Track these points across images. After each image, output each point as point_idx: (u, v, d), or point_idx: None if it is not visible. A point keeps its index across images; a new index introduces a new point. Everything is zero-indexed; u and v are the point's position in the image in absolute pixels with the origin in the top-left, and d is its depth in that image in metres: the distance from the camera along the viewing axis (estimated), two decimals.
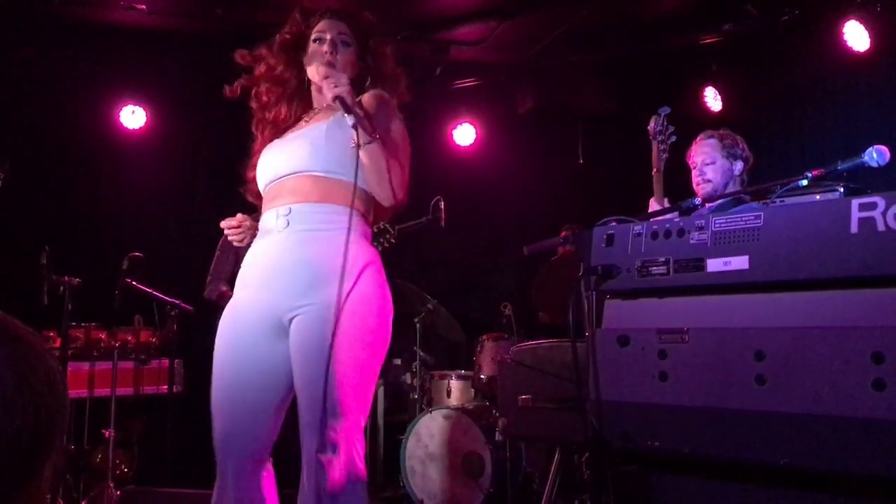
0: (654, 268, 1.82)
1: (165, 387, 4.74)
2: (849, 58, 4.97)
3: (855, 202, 1.58)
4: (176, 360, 4.81)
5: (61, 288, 4.24)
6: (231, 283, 5.10)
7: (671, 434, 1.76)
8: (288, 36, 2.50)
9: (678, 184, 3.55)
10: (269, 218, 2.41)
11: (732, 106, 5.76)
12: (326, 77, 2.27)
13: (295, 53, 2.50)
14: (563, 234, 5.80)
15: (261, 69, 2.54)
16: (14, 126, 5.33)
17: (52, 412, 1.08)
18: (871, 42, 4.86)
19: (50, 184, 5.50)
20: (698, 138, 3.53)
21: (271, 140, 2.53)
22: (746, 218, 1.71)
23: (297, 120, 2.54)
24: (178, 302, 4.74)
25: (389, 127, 2.39)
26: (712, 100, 5.85)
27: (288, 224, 2.35)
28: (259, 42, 2.47)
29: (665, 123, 3.32)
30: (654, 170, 3.28)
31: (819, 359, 1.57)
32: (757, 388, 1.64)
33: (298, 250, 2.30)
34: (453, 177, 5.92)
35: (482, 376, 5.04)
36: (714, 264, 1.74)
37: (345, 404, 2.18)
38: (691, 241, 1.78)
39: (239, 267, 4.63)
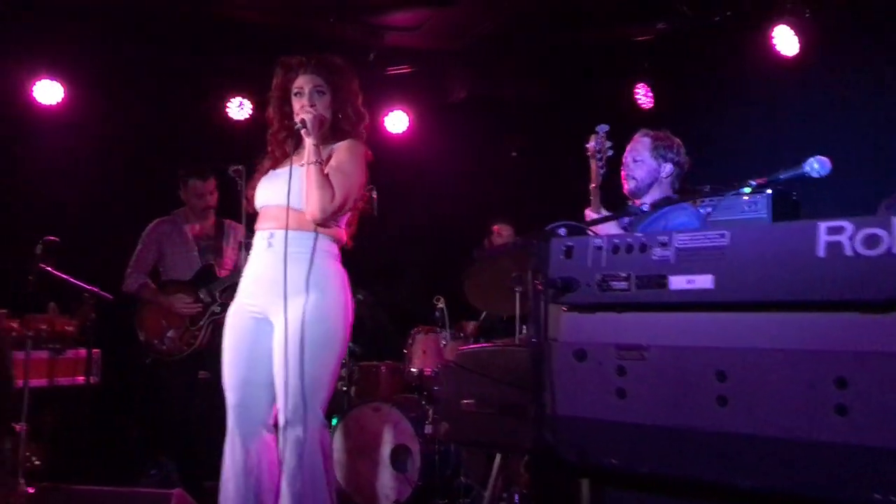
0: (615, 283, 1.79)
1: (81, 377, 4.54)
2: (777, 61, 5.08)
3: (822, 225, 1.58)
4: (94, 350, 4.61)
5: None
6: (152, 276, 4.95)
7: (629, 452, 1.75)
8: (277, 93, 3.16)
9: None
10: (258, 238, 3.09)
11: (663, 103, 5.83)
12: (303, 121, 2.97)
13: (284, 102, 3.15)
14: (494, 228, 5.83)
15: (268, 121, 3.22)
16: None
17: None
18: (799, 47, 4.97)
19: None
20: (635, 135, 3.55)
21: (268, 170, 3.18)
22: (711, 236, 1.70)
23: (288, 153, 3.14)
24: (95, 289, 4.53)
25: (343, 161, 3.03)
26: (643, 96, 5.91)
27: (270, 245, 3.01)
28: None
29: (604, 142, 3.31)
30: (593, 184, 3.27)
31: (782, 381, 1.57)
32: (718, 408, 1.64)
33: (278, 267, 2.93)
34: (385, 164, 5.82)
35: (413, 369, 5.00)
36: (677, 282, 1.72)
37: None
38: (653, 257, 1.76)
39: (161, 261, 4.81)
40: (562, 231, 2.17)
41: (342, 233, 3.14)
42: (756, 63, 5.24)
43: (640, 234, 1.81)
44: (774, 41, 5.03)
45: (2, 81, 5.37)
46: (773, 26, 5.02)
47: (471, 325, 5.45)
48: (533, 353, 1.90)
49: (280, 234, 2.98)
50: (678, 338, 1.73)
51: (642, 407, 1.74)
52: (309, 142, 2.96)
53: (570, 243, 1.91)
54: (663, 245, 1.75)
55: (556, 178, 6.13)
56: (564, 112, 6.27)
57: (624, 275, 1.78)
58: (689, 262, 1.72)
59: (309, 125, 2.95)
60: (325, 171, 2.97)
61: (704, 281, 1.68)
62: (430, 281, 5.72)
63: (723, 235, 1.68)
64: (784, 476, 1.56)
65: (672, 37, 5.57)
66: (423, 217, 6.42)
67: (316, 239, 2.98)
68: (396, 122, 6.47)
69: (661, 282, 1.74)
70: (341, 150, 3.06)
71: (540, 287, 1.83)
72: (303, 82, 3.09)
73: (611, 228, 3.01)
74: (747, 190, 2.63)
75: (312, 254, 2.97)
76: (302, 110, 3.01)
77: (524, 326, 4.49)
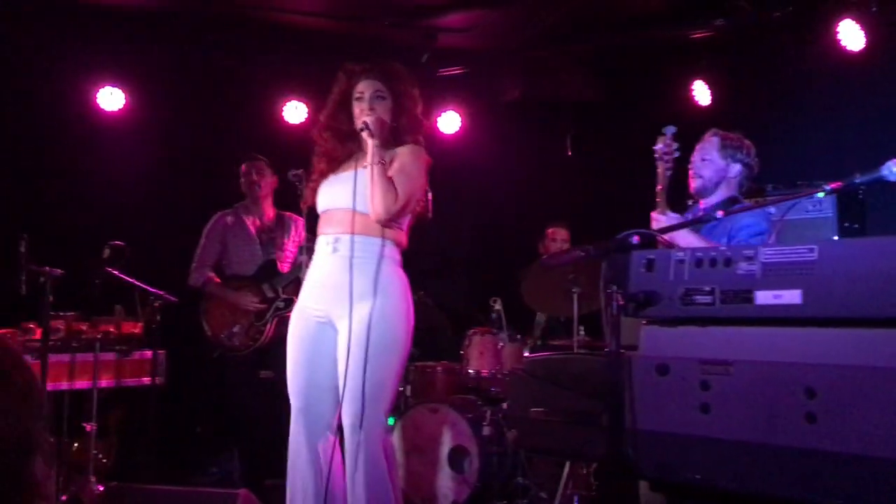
0: (699, 297, 1.78)
1: (147, 378, 4.64)
2: (842, 57, 4.95)
3: None
4: (159, 352, 4.70)
5: (41, 278, 4.09)
6: (216, 270, 5.02)
7: (713, 468, 1.73)
8: (337, 96, 3.21)
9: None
10: (321, 242, 3.13)
11: (723, 101, 5.73)
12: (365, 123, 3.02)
13: (344, 107, 3.19)
14: (549, 231, 5.80)
15: (320, 120, 3.27)
16: None
17: (26, 422, 1.04)
18: (865, 42, 4.84)
19: (26, 169, 5.31)
20: (706, 134, 3.52)
21: (328, 173, 3.21)
22: (799, 251, 1.67)
23: (349, 157, 3.20)
24: (161, 292, 4.61)
25: (406, 163, 3.07)
26: (701, 93, 5.81)
27: (335, 250, 3.04)
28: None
29: (671, 143, 3.28)
30: (659, 187, 3.24)
31: (875, 400, 1.54)
32: (807, 425, 1.61)
33: (344, 272, 2.98)
34: (438, 165, 5.82)
35: (470, 370, 5.01)
36: (763, 297, 1.70)
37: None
38: (738, 272, 1.74)
39: (225, 254, 5.28)
40: (634, 239, 2.16)
41: (404, 236, 3.17)
42: (820, 59, 5.12)
43: (724, 248, 1.78)
44: (839, 36, 4.90)
45: (66, 89, 5.50)
46: (838, 21, 4.89)
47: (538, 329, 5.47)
48: (612, 366, 1.89)
49: (345, 238, 3.02)
50: (765, 353, 1.71)
51: (727, 422, 1.72)
52: (371, 143, 3.00)
53: (651, 256, 1.90)
54: (749, 259, 1.72)
55: (612, 179, 6.07)
56: (620, 112, 6.20)
57: (708, 289, 1.77)
58: (776, 276, 1.69)
59: (371, 127, 2.99)
60: (389, 174, 3.01)
61: (792, 296, 1.66)
62: (483, 282, 5.72)
63: (811, 250, 1.66)
64: (875, 497, 1.53)
65: (732, 33, 5.47)
66: (476, 218, 6.41)
67: (382, 245, 3.03)
68: (449, 122, 6.45)
69: (747, 296, 1.72)
70: (404, 154, 3.10)
71: (621, 301, 1.82)
72: (364, 87, 3.14)
73: (683, 233, 2.98)
74: (821, 195, 2.58)
75: (379, 259, 3.01)
76: (363, 113, 3.07)
77: (581, 328, 4.49)
